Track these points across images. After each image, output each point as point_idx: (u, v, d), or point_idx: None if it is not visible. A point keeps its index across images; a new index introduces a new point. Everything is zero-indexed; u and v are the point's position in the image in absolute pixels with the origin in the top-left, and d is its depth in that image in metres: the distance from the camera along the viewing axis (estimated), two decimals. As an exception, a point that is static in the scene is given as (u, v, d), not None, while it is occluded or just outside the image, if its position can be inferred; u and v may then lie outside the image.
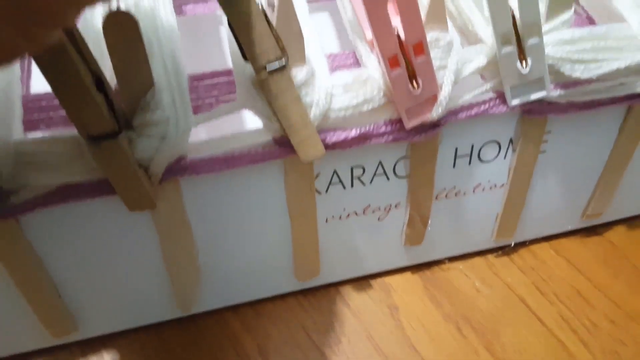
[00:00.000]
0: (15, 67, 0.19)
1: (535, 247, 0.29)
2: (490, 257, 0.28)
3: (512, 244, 0.27)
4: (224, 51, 0.26)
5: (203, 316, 0.26)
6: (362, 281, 0.27)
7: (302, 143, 0.19)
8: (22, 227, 0.19)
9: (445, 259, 0.27)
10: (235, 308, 0.26)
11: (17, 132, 0.18)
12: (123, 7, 0.15)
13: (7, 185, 0.17)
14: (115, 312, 0.23)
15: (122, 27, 0.16)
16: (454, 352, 0.25)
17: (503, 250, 0.28)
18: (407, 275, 0.28)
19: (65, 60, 0.15)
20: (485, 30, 0.21)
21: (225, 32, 0.23)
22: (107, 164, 0.17)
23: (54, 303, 0.22)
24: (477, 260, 0.28)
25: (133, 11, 0.16)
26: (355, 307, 0.26)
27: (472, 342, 0.25)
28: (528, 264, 0.28)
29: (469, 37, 0.22)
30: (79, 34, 0.15)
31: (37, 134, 0.18)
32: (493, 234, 0.27)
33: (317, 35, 0.21)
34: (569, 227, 0.28)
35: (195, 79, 0.21)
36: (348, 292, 0.27)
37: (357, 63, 0.22)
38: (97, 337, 0.24)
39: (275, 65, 0.17)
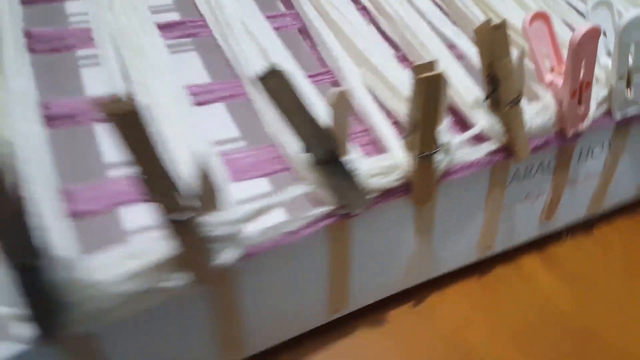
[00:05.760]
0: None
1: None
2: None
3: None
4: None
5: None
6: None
7: (520, 149, 0.29)
8: (352, 226, 0.27)
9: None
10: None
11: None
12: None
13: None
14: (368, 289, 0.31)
15: (431, 84, 0.25)
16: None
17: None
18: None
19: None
20: (600, 73, 0.33)
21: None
22: (422, 170, 0.26)
23: (346, 281, 0.29)
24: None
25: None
26: (528, 274, 0.36)
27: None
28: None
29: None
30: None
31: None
32: (587, 209, 0.38)
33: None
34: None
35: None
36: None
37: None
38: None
39: (517, 100, 0.27)
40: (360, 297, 0.31)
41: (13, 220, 0.15)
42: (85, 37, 0.29)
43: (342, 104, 0.22)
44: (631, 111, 0.33)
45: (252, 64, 0.28)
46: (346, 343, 0.33)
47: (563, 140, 0.31)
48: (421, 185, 0.27)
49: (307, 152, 0.22)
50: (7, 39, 0.27)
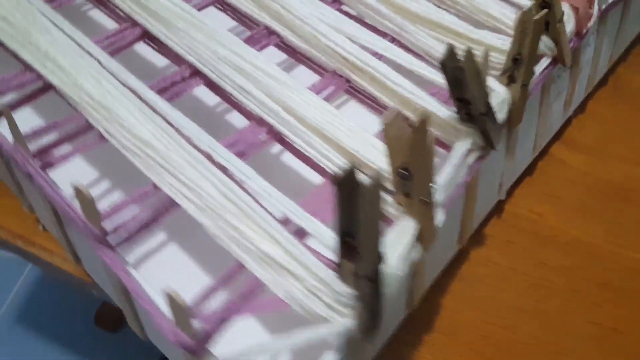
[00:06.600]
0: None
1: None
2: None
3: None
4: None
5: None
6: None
7: (567, 55, 0.35)
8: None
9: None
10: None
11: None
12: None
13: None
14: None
15: (538, 24, 0.29)
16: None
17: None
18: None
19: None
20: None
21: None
22: (522, 97, 0.31)
23: (473, 211, 0.34)
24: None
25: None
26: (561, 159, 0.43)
27: None
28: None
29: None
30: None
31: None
32: (585, 90, 0.46)
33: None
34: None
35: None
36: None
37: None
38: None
39: (562, 18, 0.33)
40: (476, 220, 0.36)
41: (373, 231, 0.17)
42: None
43: (487, 63, 0.26)
44: (609, 3, 0.41)
45: (350, 50, 0.30)
46: (467, 265, 0.38)
47: (580, 38, 0.38)
48: (518, 110, 0.32)
49: (465, 111, 0.26)
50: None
